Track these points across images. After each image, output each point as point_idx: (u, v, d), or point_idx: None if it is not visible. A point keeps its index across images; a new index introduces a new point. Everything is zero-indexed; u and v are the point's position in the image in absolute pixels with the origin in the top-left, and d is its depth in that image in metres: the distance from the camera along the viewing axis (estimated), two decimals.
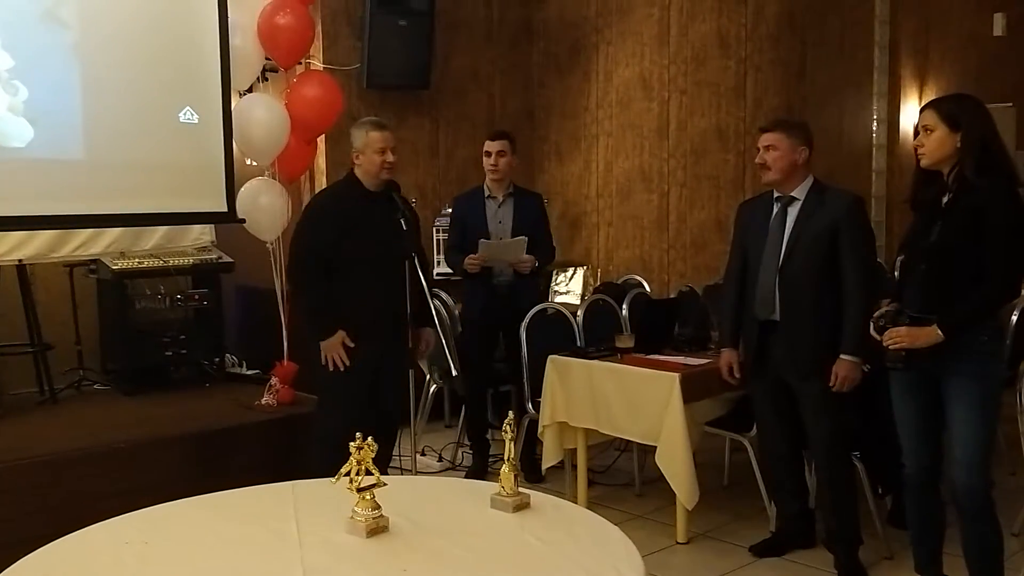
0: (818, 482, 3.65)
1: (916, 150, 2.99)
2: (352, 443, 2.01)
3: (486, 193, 4.68)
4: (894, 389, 3.09)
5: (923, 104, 3.18)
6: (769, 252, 3.51)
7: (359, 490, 2.02)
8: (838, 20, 6.66)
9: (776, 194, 3.55)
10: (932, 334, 2.85)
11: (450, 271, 4.99)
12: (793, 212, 3.49)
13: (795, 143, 3.46)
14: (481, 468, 4.66)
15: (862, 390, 3.46)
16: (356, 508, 2.03)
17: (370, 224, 3.65)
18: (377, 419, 3.69)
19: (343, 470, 2.02)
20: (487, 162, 4.67)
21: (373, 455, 2.02)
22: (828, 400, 3.43)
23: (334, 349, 3.59)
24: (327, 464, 2.27)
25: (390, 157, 3.63)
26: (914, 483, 3.11)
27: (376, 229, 3.64)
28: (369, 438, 2.02)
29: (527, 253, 4.54)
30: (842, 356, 3.35)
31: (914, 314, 2.91)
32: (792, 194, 3.49)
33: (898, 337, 2.93)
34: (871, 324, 3.06)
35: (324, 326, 3.62)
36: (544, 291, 6.51)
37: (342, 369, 3.60)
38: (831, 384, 3.37)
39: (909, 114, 7.16)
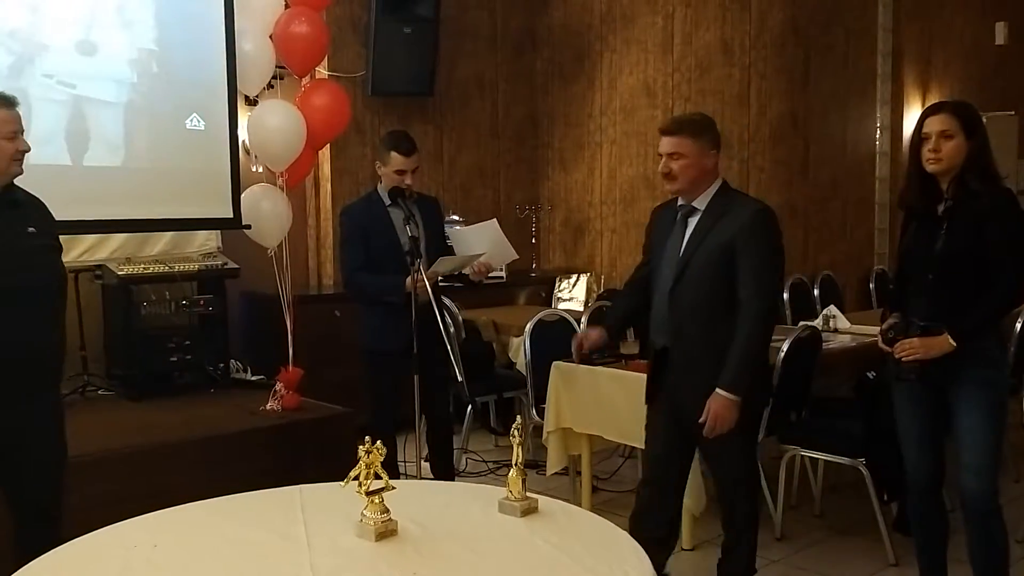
0: (724, 522, 3.21)
1: (920, 152, 2.90)
2: (361, 447, 2.01)
3: (386, 202, 4.03)
4: (897, 398, 3.07)
5: (931, 107, 3.02)
6: (664, 271, 3.06)
7: (368, 494, 2.02)
8: (841, 28, 6.68)
9: (680, 201, 3.08)
10: (945, 343, 2.83)
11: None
12: (692, 225, 3.02)
13: (703, 147, 2.98)
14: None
15: (867, 396, 3.45)
16: (365, 512, 2.03)
17: None
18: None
19: (352, 474, 2.02)
20: (402, 179, 3.97)
21: (382, 459, 2.02)
22: (727, 444, 2.98)
23: None
24: None
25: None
26: (917, 490, 3.10)
27: None
28: (378, 442, 2.02)
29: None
30: (717, 390, 2.87)
31: (923, 324, 2.90)
32: (694, 204, 3.02)
33: (911, 349, 2.89)
34: (879, 336, 3.02)
35: None
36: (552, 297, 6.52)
37: None
38: (700, 420, 2.91)
39: (912, 121, 7.17)
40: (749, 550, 3.18)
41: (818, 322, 4.99)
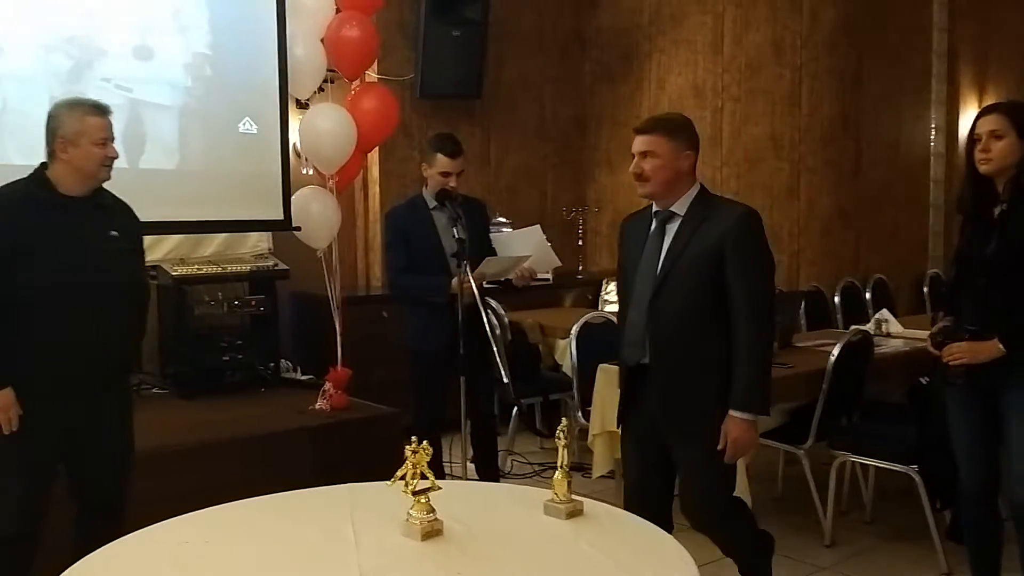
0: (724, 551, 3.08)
1: (973, 154, 2.87)
2: (408, 447, 2.03)
3: (430, 205, 4.11)
4: (949, 404, 3.03)
5: (984, 108, 3.00)
6: (641, 282, 2.85)
7: (414, 493, 2.04)
8: (895, 27, 6.57)
9: (655, 208, 2.89)
10: (993, 349, 2.79)
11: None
12: (672, 231, 2.83)
13: (678, 147, 2.81)
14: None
15: (920, 401, 3.39)
16: (411, 511, 2.05)
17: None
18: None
19: (398, 473, 2.04)
20: (447, 181, 4.04)
21: (428, 459, 2.03)
22: (712, 469, 2.79)
23: None
24: None
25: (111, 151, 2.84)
26: (970, 498, 3.05)
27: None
28: (424, 442, 2.04)
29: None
30: (731, 413, 2.71)
31: (972, 328, 2.85)
32: (672, 209, 2.84)
33: (959, 353, 2.86)
34: (928, 339, 2.98)
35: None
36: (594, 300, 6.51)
37: None
38: (719, 447, 2.73)
39: (968, 122, 7.02)
40: (764, 565, 3.06)
41: (870, 326, 4.92)
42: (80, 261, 2.76)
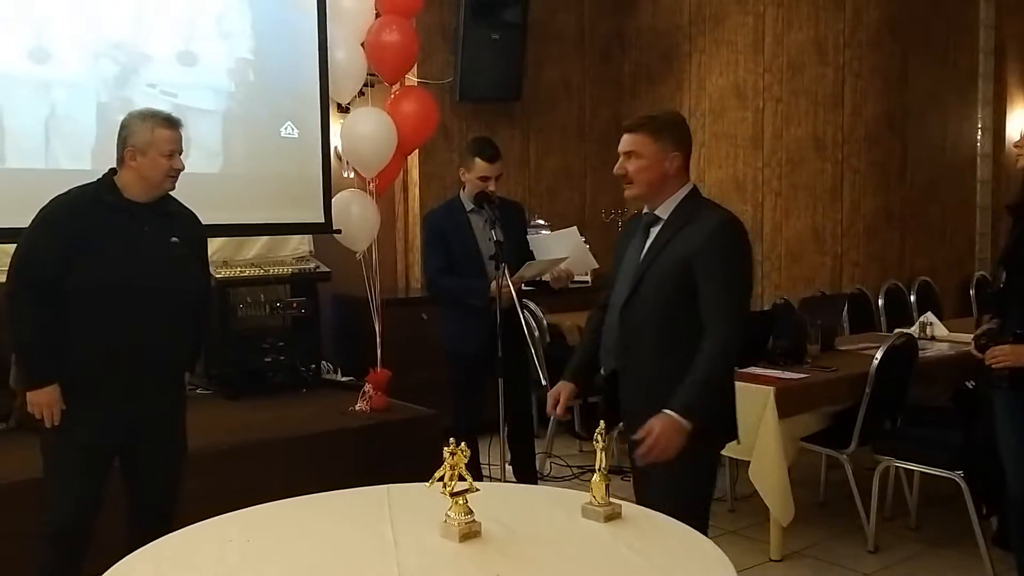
0: None
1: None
2: (446, 448, 2.04)
3: (467, 207, 4.14)
4: (997, 407, 2.99)
5: None
6: (619, 286, 2.73)
7: (452, 495, 2.04)
8: (941, 25, 6.47)
9: (645, 210, 2.75)
10: None
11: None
12: (653, 235, 2.69)
13: (664, 147, 2.63)
14: None
15: (965, 406, 3.33)
16: (449, 512, 2.06)
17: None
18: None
19: (436, 474, 2.05)
20: (486, 185, 4.05)
21: (466, 460, 2.04)
22: (675, 482, 2.53)
23: None
24: None
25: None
26: (1017, 503, 3.00)
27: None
28: (462, 444, 2.04)
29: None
30: (664, 410, 2.47)
31: (1018, 331, 2.81)
32: (656, 212, 2.69)
33: (1001, 355, 2.83)
34: (972, 342, 2.94)
35: None
36: None
37: None
38: (636, 437, 2.50)
39: (1015, 122, 6.90)
40: None
41: (914, 329, 4.85)
42: (137, 265, 2.82)
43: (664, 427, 2.45)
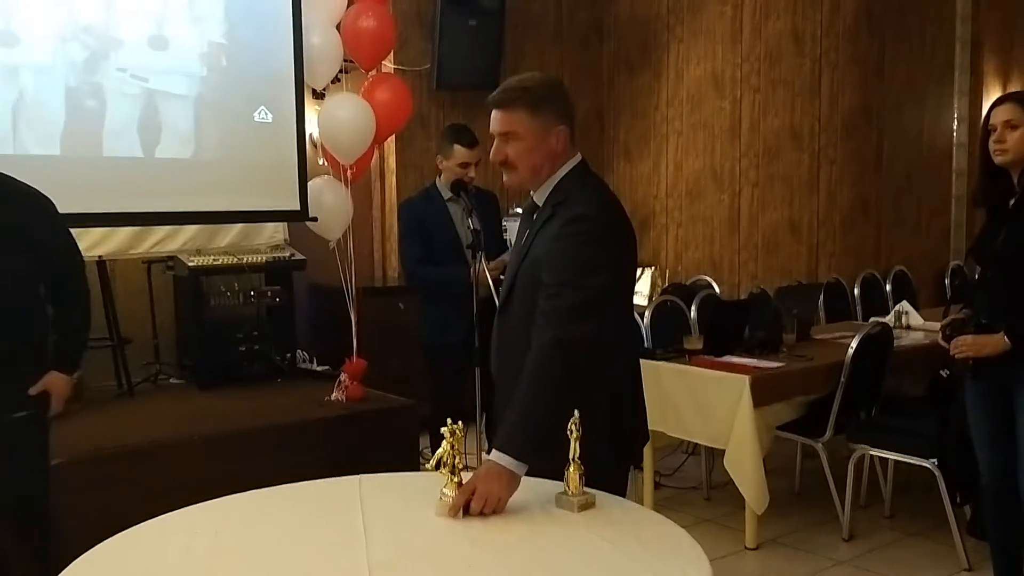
0: None
1: (988, 145, 2.85)
2: (444, 428, 2.03)
3: (444, 196, 4.13)
4: (968, 397, 3.02)
5: (999, 97, 2.97)
6: (504, 287, 2.39)
7: (453, 472, 2.06)
8: (918, 16, 6.49)
9: (532, 194, 2.33)
10: (999, 343, 2.77)
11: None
12: (531, 229, 2.29)
13: (546, 123, 2.18)
14: None
15: (940, 395, 3.35)
16: (445, 490, 2.07)
17: None
18: None
19: (434, 457, 2.06)
20: (466, 172, 4.04)
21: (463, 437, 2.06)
22: None
23: None
24: None
25: None
26: (991, 492, 3.03)
27: None
28: (459, 422, 2.05)
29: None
30: (489, 455, 2.09)
31: (984, 321, 2.82)
32: (534, 198, 2.30)
33: (963, 345, 2.85)
34: (939, 332, 2.98)
35: None
36: None
37: None
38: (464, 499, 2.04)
39: None
40: None
41: (890, 318, 4.88)
42: None
43: (485, 474, 2.04)
